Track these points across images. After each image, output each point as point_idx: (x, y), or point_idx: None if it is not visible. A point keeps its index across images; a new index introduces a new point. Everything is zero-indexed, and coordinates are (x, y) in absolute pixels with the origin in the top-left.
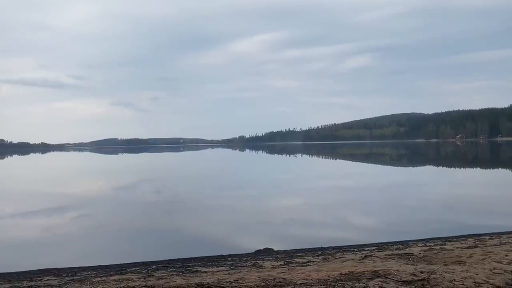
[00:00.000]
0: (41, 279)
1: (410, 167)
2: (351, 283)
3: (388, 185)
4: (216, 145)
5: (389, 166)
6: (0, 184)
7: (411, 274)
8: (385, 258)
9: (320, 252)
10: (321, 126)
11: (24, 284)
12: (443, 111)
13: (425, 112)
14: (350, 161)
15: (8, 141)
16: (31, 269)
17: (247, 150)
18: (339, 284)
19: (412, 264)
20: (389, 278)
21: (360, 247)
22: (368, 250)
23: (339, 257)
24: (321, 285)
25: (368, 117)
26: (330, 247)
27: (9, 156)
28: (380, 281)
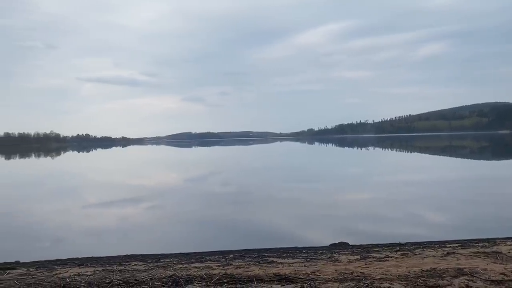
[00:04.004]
0: (129, 264)
1: (494, 161)
2: (434, 280)
3: (469, 180)
4: (284, 138)
5: (469, 159)
6: (88, 176)
7: (501, 273)
8: (469, 255)
9: (398, 248)
10: (395, 117)
11: (115, 268)
12: None
13: (511, 101)
14: (427, 154)
15: (93, 136)
16: (119, 254)
17: (316, 143)
18: (420, 281)
19: (501, 263)
20: (475, 276)
21: (442, 243)
22: (450, 247)
23: (419, 254)
24: (401, 281)
25: (447, 108)
26: (408, 242)
27: (93, 150)
28: (466, 279)
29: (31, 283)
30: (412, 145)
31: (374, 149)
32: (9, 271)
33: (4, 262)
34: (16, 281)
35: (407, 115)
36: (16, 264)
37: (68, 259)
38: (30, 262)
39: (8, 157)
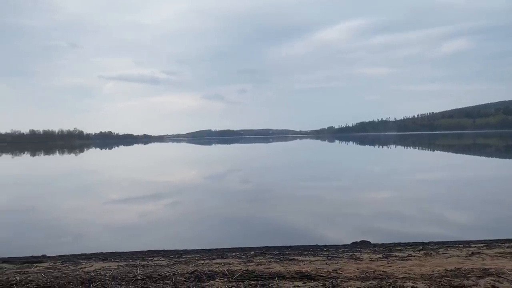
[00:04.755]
0: (152, 259)
1: None
2: (459, 280)
3: (494, 179)
4: (304, 136)
5: (495, 158)
6: (111, 173)
7: None
8: (495, 256)
9: (421, 247)
10: (417, 115)
11: (138, 263)
12: None
13: None
14: (450, 153)
15: (115, 133)
16: (142, 250)
17: (336, 141)
18: (445, 281)
19: None
20: (502, 277)
21: (466, 243)
22: (475, 247)
23: (443, 253)
24: (425, 280)
25: (471, 105)
26: (431, 242)
27: (115, 147)
28: (492, 279)
29: (57, 277)
30: (435, 143)
31: (395, 147)
32: (37, 264)
33: (32, 256)
34: (44, 274)
35: (429, 113)
36: (43, 258)
37: (93, 253)
38: (56, 256)
39: (33, 153)
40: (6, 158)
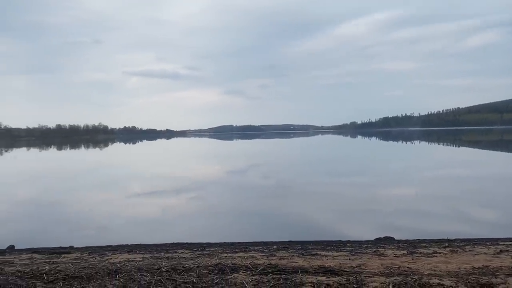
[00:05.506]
0: (176, 252)
1: None
2: (487, 278)
3: None
4: (326, 131)
5: None
6: (135, 167)
7: None
8: None
9: (446, 244)
10: (443, 110)
11: (162, 255)
12: None
13: None
14: (477, 149)
15: (139, 128)
16: (166, 242)
17: (359, 137)
18: (472, 278)
19: None
20: None
21: (494, 241)
22: (503, 244)
23: (469, 250)
24: (451, 277)
25: (498, 100)
26: (457, 239)
27: (139, 142)
28: None
29: (85, 267)
30: (461, 139)
31: (419, 142)
32: (64, 255)
33: (60, 247)
34: (71, 264)
35: (455, 108)
36: (71, 249)
37: (118, 245)
38: (83, 247)
39: (60, 147)
40: (34, 152)
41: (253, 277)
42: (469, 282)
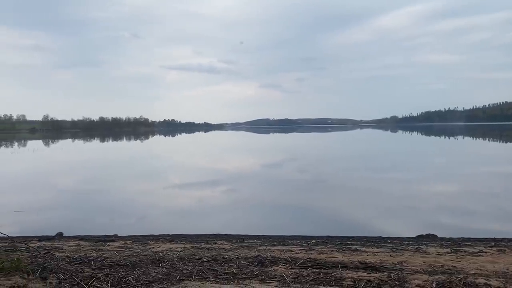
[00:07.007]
0: (215, 243)
1: None
2: None
3: None
4: (365, 125)
5: None
6: (175, 159)
7: None
8: None
9: (493, 243)
10: (489, 104)
11: (202, 246)
12: None
13: None
14: None
15: (178, 121)
16: (206, 233)
17: (400, 131)
18: None
19: None
20: None
21: None
22: None
23: None
24: (499, 278)
25: None
26: (505, 238)
27: (178, 134)
28: None
29: (129, 255)
30: (509, 134)
31: (463, 138)
32: (109, 243)
33: (105, 235)
34: (116, 252)
35: (502, 102)
36: (115, 237)
37: (160, 235)
38: (127, 236)
39: (102, 139)
40: (79, 143)
41: (293, 270)
42: None
